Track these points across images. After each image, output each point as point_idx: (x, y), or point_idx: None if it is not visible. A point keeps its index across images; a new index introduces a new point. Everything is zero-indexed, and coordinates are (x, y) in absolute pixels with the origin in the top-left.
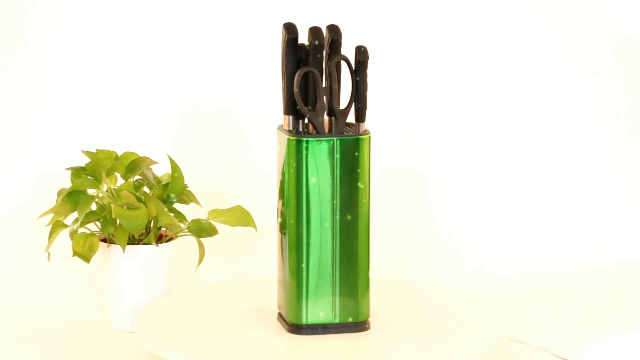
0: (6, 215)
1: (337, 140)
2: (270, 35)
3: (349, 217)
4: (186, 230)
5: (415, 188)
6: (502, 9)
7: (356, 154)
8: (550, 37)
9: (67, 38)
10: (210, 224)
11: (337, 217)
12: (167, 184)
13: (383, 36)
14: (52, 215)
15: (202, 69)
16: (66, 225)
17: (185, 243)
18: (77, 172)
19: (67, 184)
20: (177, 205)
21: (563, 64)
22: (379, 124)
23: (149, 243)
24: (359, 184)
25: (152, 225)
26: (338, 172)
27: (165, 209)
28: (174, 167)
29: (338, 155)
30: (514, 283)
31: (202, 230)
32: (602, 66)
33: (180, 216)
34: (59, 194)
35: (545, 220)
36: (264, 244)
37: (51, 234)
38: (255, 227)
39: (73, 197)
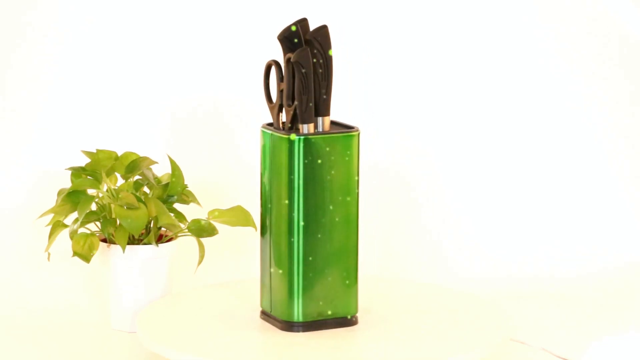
0: (6, 215)
1: (269, 135)
2: (270, 34)
3: (274, 215)
4: (186, 230)
5: (414, 188)
6: (502, 9)
7: (282, 153)
8: (550, 37)
9: (67, 38)
10: (210, 224)
11: (267, 211)
12: (167, 184)
13: (382, 36)
14: (52, 215)
15: (202, 69)
16: (66, 225)
17: (185, 243)
18: (77, 172)
19: (67, 184)
20: (177, 205)
21: (563, 64)
22: (378, 124)
23: (149, 243)
24: (281, 181)
25: (152, 225)
26: (269, 167)
27: (165, 209)
28: (174, 167)
29: (269, 151)
30: (514, 283)
31: (202, 230)
32: (602, 66)
33: (180, 216)
34: (59, 194)
35: (546, 220)
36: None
37: (51, 234)
38: (255, 227)
39: (73, 197)
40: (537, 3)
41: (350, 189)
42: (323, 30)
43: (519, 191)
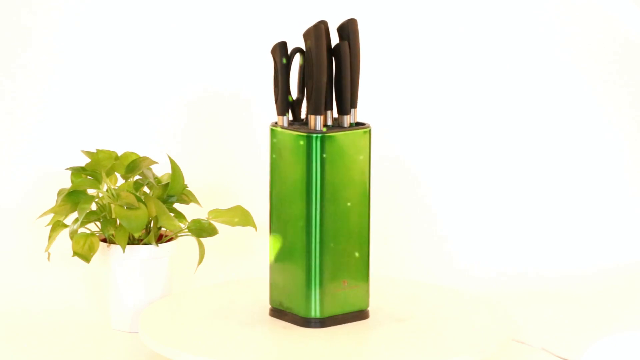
0: (6, 215)
1: None
2: (270, 34)
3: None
4: (186, 230)
5: (415, 187)
6: (504, 9)
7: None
8: (552, 38)
9: (67, 38)
10: (210, 224)
11: None
12: (167, 184)
13: (382, 35)
14: (52, 215)
15: (203, 69)
16: (66, 225)
17: (185, 243)
18: (77, 172)
19: (67, 184)
20: (177, 205)
21: (563, 63)
22: (379, 123)
23: (149, 243)
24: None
25: (152, 225)
26: None
27: (165, 209)
28: (174, 167)
29: None
30: (514, 283)
31: (202, 230)
32: (604, 68)
33: (180, 216)
34: (59, 194)
35: (546, 220)
36: (264, 244)
37: (51, 234)
38: (255, 227)
39: (73, 197)
40: (539, 3)
41: (302, 189)
42: (315, 28)
43: (520, 191)
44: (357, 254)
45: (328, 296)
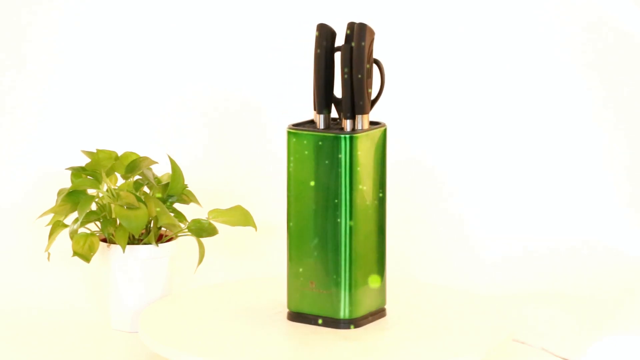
0: (6, 215)
1: None
2: (271, 34)
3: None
4: (186, 230)
5: (416, 187)
6: (504, 10)
7: None
8: (552, 38)
9: (67, 38)
10: (210, 224)
11: None
12: (167, 184)
13: (386, 34)
14: (52, 215)
15: (203, 68)
16: (66, 225)
17: (185, 243)
18: (77, 172)
19: (67, 184)
20: (177, 205)
21: (563, 63)
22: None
23: (149, 243)
24: None
25: (152, 225)
26: None
27: (166, 209)
28: (174, 167)
29: None
30: (514, 283)
31: (202, 230)
32: (604, 68)
33: (180, 216)
34: (59, 194)
35: (546, 220)
36: (264, 244)
37: (51, 234)
38: (255, 227)
39: (73, 197)
40: (542, 4)
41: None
42: (318, 26)
43: (520, 191)
44: (328, 260)
45: (297, 292)
